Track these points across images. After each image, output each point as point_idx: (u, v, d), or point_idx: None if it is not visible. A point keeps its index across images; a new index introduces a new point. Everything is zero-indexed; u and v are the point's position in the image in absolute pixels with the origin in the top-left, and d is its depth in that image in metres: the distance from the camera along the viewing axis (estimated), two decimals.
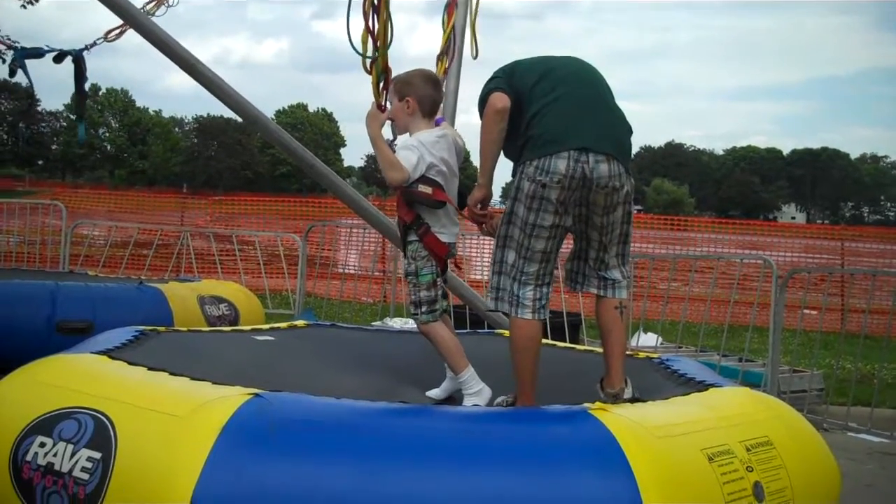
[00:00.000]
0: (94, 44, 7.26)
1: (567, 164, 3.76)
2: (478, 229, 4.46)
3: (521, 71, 4.07)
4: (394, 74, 4.43)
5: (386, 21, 3.95)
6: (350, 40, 3.90)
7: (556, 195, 3.79)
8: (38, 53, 6.90)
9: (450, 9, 5.46)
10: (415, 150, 4.10)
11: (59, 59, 7.06)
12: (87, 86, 7.40)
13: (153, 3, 7.30)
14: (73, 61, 7.09)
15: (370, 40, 4.30)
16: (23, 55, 6.83)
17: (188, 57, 6.03)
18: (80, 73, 7.13)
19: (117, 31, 7.34)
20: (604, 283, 4.05)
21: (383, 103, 4.29)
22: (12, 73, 6.83)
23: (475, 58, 5.40)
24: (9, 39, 7.26)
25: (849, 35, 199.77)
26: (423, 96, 4.23)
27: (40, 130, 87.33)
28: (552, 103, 3.90)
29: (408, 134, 4.27)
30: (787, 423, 3.85)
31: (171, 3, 7.38)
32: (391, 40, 4.10)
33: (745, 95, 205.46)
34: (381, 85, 4.35)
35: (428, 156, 4.13)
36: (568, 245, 4.15)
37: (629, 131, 4.04)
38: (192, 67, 6.03)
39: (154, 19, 6.27)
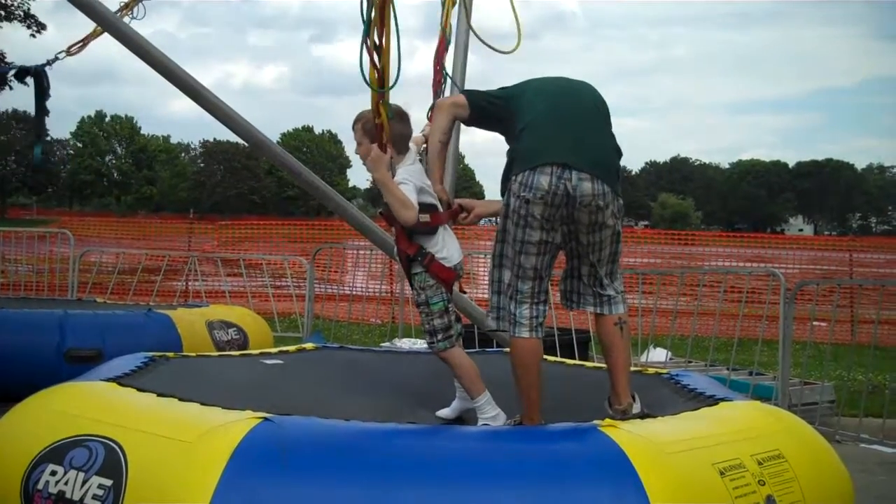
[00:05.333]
0: (56, 58, 7.12)
1: (549, 181, 3.78)
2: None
3: (519, 89, 4.16)
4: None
5: (388, 59, 3.90)
6: (363, 74, 3.84)
7: (539, 211, 3.81)
8: None
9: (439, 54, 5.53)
10: (410, 183, 4.12)
11: (20, 75, 6.90)
12: (48, 103, 7.17)
13: (119, 15, 7.20)
14: (34, 76, 6.88)
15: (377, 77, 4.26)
16: None
17: (193, 83, 6.06)
18: (40, 90, 6.91)
19: (79, 45, 7.23)
20: (599, 300, 4.06)
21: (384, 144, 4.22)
22: None
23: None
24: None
25: (847, 46, 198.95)
26: (396, 135, 4.20)
27: (49, 158, 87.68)
28: (533, 120, 3.96)
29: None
30: (799, 436, 3.84)
31: (136, 15, 7.22)
32: (397, 78, 4.04)
33: (745, 109, 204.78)
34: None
35: (418, 183, 4.17)
36: (560, 266, 4.16)
37: (616, 152, 4.05)
38: (197, 94, 6.06)
39: (156, 46, 6.27)
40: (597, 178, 3.82)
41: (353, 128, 4.33)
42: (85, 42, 7.23)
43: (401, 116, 4.31)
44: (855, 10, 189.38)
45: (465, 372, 4.19)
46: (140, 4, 7.16)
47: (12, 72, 6.87)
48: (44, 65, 6.92)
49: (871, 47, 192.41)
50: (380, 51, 3.76)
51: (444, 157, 4.35)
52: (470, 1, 6.12)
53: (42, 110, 7.02)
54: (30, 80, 6.94)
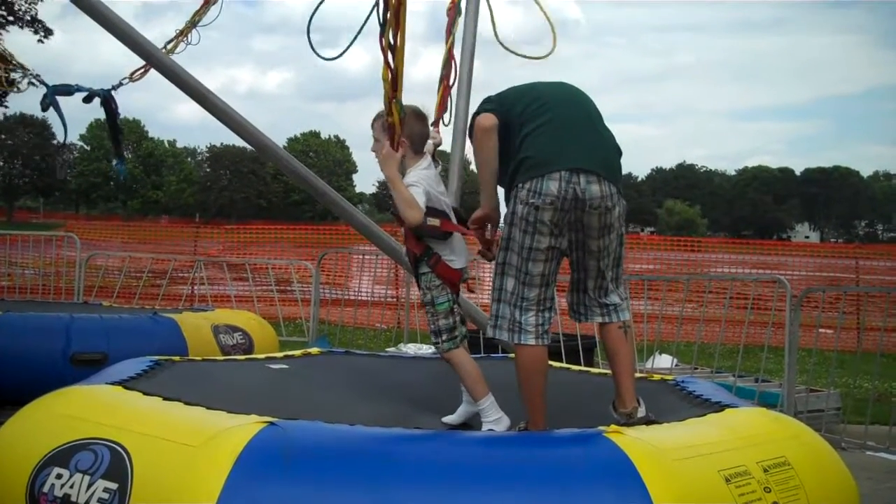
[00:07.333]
0: (121, 84, 7.29)
1: (559, 186, 3.79)
2: (479, 253, 4.48)
3: (510, 98, 4.13)
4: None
5: (402, 59, 3.93)
6: (311, 43, 3.93)
7: (549, 216, 3.81)
8: (67, 91, 6.94)
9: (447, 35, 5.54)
10: (420, 186, 4.13)
11: (88, 99, 7.09)
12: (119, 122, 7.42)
13: (173, 43, 7.35)
14: (103, 103, 7.10)
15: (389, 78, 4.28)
16: (54, 92, 6.88)
17: (201, 88, 6.06)
18: (111, 113, 7.16)
19: (142, 71, 7.35)
20: (606, 311, 4.07)
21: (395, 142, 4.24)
22: (45, 109, 6.89)
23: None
24: (34, 75, 7.21)
25: (852, 53, 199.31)
26: (414, 134, 4.25)
27: (55, 162, 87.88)
28: (541, 126, 3.95)
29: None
30: (805, 443, 3.82)
31: (191, 41, 7.41)
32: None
33: (751, 116, 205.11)
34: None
35: (429, 188, 4.17)
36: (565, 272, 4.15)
37: (618, 152, 4.07)
38: (204, 98, 6.06)
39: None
40: (604, 180, 3.85)
41: (372, 125, 4.35)
42: (147, 68, 7.31)
43: (419, 116, 4.34)
44: (859, 18, 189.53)
45: (468, 374, 4.19)
46: (195, 30, 7.33)
47: (83, 94, 7.02)
48: (109, 90, 7.13)
49: (875, 56, 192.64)
50: (394, 51, 3.78)
51: (492, 172, 4.16)
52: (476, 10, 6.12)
53: (116, 131, 7.22)
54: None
